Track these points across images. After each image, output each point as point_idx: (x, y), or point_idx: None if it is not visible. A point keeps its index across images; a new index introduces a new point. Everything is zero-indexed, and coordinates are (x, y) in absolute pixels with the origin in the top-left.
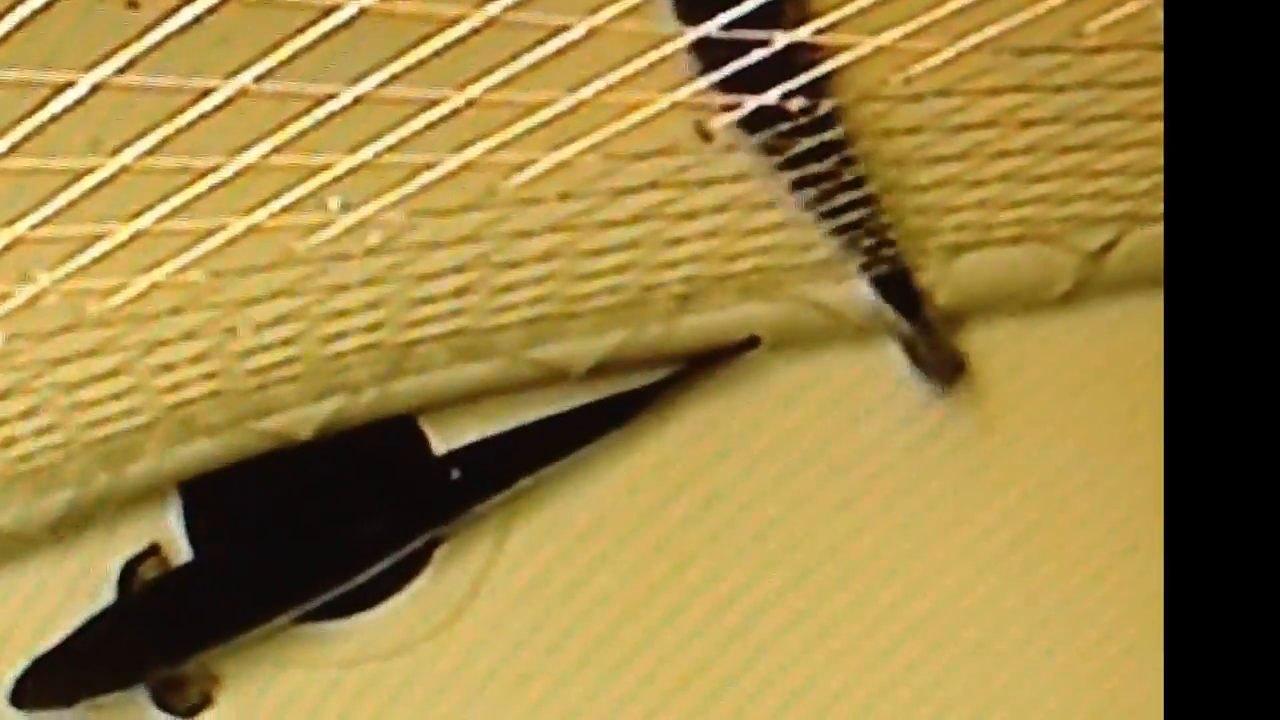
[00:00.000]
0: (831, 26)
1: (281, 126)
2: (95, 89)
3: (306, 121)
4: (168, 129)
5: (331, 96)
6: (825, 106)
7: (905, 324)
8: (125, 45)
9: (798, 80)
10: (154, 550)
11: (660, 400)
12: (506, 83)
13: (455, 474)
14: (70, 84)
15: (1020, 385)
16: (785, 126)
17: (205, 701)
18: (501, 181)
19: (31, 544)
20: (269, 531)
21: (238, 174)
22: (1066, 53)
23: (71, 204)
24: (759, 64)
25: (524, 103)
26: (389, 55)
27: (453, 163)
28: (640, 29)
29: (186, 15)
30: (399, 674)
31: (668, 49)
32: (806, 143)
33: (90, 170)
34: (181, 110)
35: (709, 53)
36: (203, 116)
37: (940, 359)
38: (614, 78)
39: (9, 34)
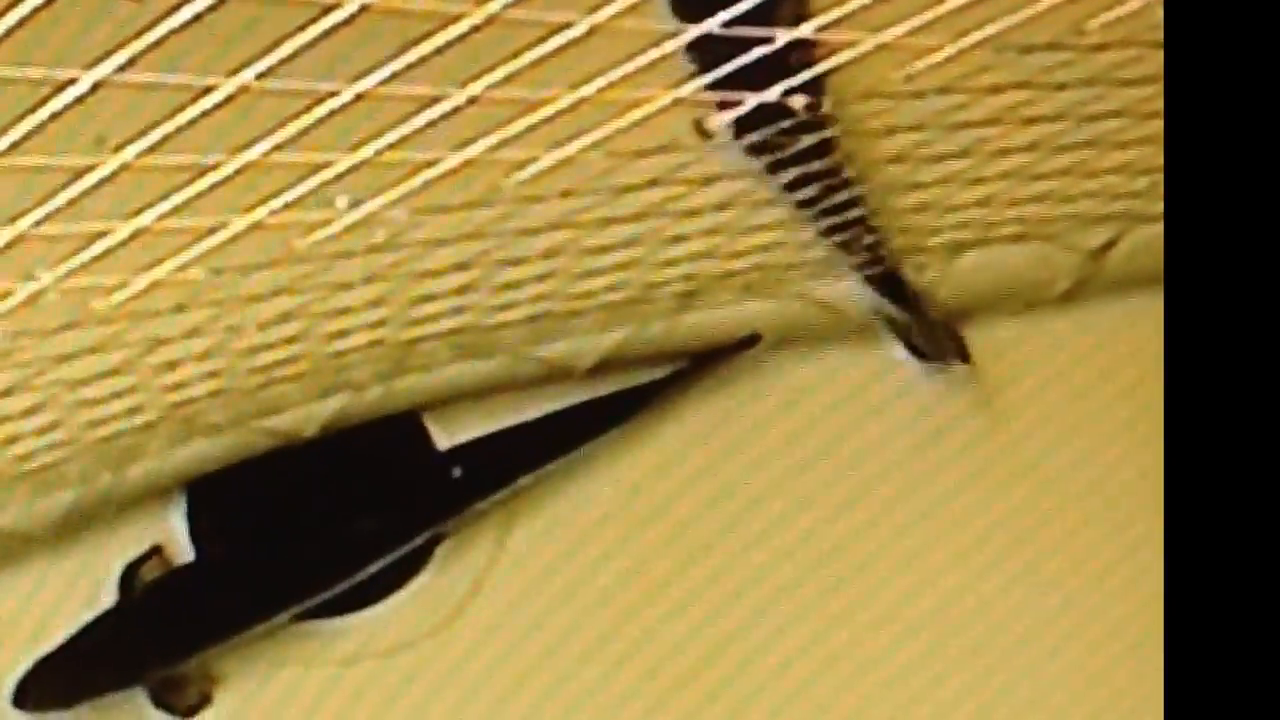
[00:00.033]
0: (833, 24)
1: (283, 124)
2: (97, 86)
3: (308, 119)
4: (169, 127)
5: (333, 94)
6: (824, 107)
7: (896, 309)
8: (127, 43)
9: (790, 81)
10: (155, 551)
11: (662, 397)
12: (508, 80)
13: (457, 472)
14: (72, 81)
15: (1021, 383)
16: (777, 128)
17: (204, 701)
18: (503, 179)
19: (34, 544)
20: (271, 529)
21: (239, 172)
22: (1067, 50)
23: (73, 202)
24: (753, 64)
25: (526, 100)
26: (391, 53)
27: (454, 160)
28: (641, 27)
29: (188, 13)
30: (400, 671)
31: (669, 46)
32: (796, 145)
33: (92, 168)
34: (183, 108)
35: (705, 51)
36: (204, 114)
37: (935, 339)
38: (615, 75)
39: (10, 31)
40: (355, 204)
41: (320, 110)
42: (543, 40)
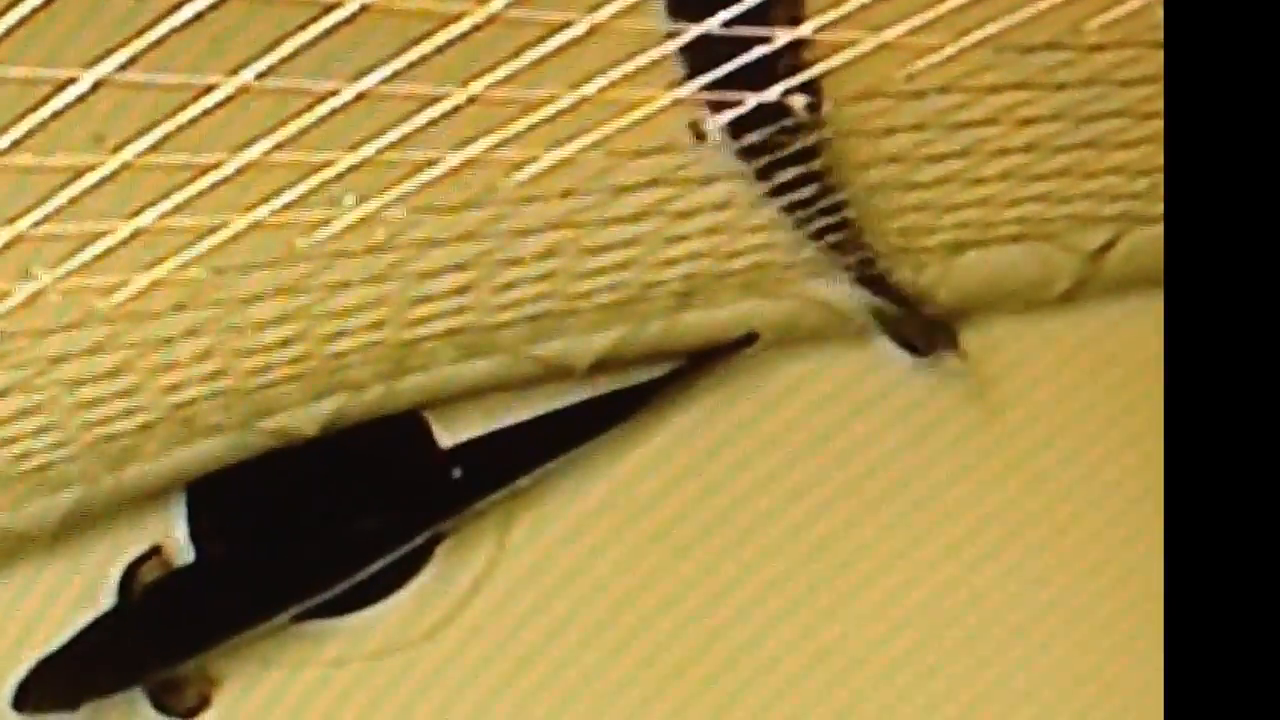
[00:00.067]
0: (831, 24)
1: (283, 123)
2: (97, 85)
3: (308, 118)
4: (169, 126)
5: (333, 93)
6: (823, 108)
7: (885, 304)
8: (127, 41)
9: (788, 82)
10: (155, 552)
11: (660, 396)
12: (508, 80)
13: (457, 471)
14: (72, 80)
15: (1019, 383)
16: (771, 130)
17: (203, 703)
18: (502, 179)
19: (33, 544)
20: (271, 529)
21: (239, 171)
22: (1067, 50)
23: (72, 201)
24: (743, 68)
25: (525, 99)
26: (391, 52)
27: (454, 160)
28: (641, 26)
29: (188, 11)
30: (400, 671)
31: (669, 46)
32: (790, 147)
33: (91, 167)
34: (183, 107)
35: (697, 54)
36: (205, 113)
37: (925, 333)
38: (615, 74)
39: (11, 30)
40: (369, 201)
41: (320, 109)
42: (543, 40)
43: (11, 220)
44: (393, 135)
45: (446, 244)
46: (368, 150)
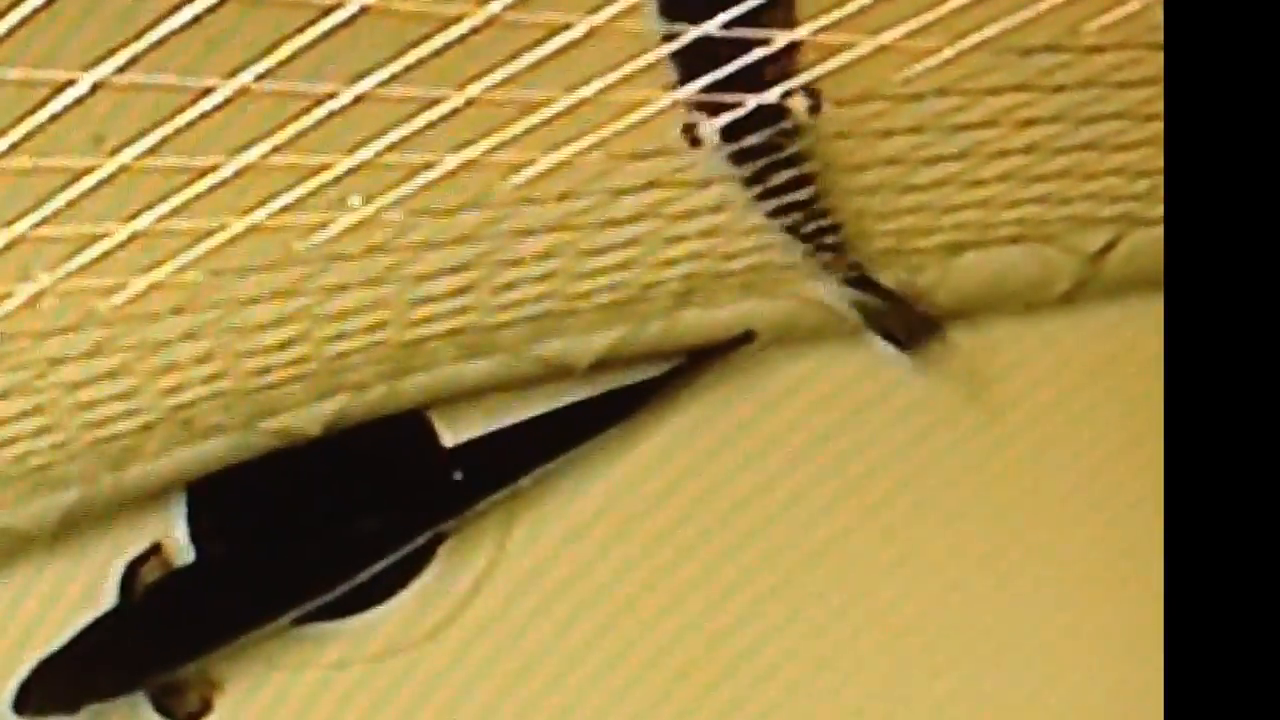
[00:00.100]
0: (829, 27)
1: (281, 126)
2: (96, 88)
3: (306, 121)
4: (167, 128)
5: (331, 96)
6: (823, 110)
7: (869, 298)
8: (126, 44)
9: (778, 86)
10: (155, 550)
11: (660, 394)
12: (506, 82)
13: (458, 471)
14: (71, 82)
15: (1019, 384)
16: (763, 135)
17: (205, 708)
18: (500, 181)
19: (33, 544)
20: (272, 530)
21: (237, 173)
22: (1066, 52)
23: (71, 203)
24: (732, 74)
25: (524, 101)
26: (389, 54)
27: (452, 162)
28: (640, 28)
29: (187, 14)
30: (402, 673)
31: (668, 48)
32: (781, 152)
33: (89, 170)
34: (181, 109)
35: (688, 56)
36: (203, 116)
37: (910, 326)
38: (614, 77)
39: (10, 32)
40: (367, 203)
41: (319, 112)
42: (541, 42)
43: (10, 222)
44: (391, 137)
45: (445, 246)
46: (366, 153)
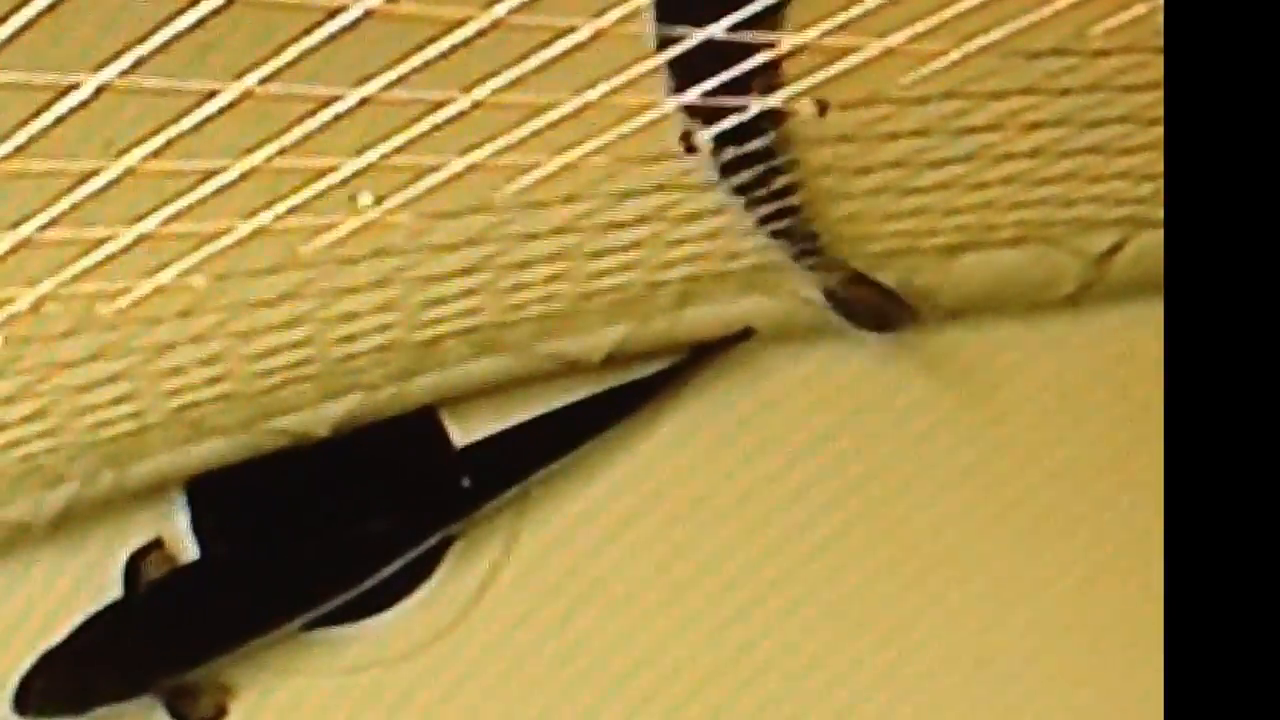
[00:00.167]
0: (835, 29)
1: (287, 129)
2: (100, 90)
3: (312, 124)
4: (173, 131)
5: (337, 98)
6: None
7: (839, 286)
8: (130, 46)
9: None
10: (158, 544)
11: (662, 390)
12: (512, 85)
13: (466, 473)
14: (75, 86)
15: (1022, 386)
16: (756, 143)
17: (220, 713)
18: (504, 185)
19: (33, 537)
20: (279, 532)
21: (243, 176)
22: (1072, 56)
23: (76, 206)
24: (723, 81)
25: (529, 105)
26: (395, 57)
27: (458, 165)
28: (645, 32)
29: (192, 17)
30: (411, 677)
31: (673, 52)
32: (773, 159)
33: (95, 173)
34: (187, 113)
35: (682, 66)
36: (208, 119)
37: (883, 310)
38: (620, 80)
39: (15, 35)
40: (377, 202)
41: (325, 115)
42: (546, 45)
43: (15, 225)
44: (397, 140)
45: (453, 249)
46: (372, 155)
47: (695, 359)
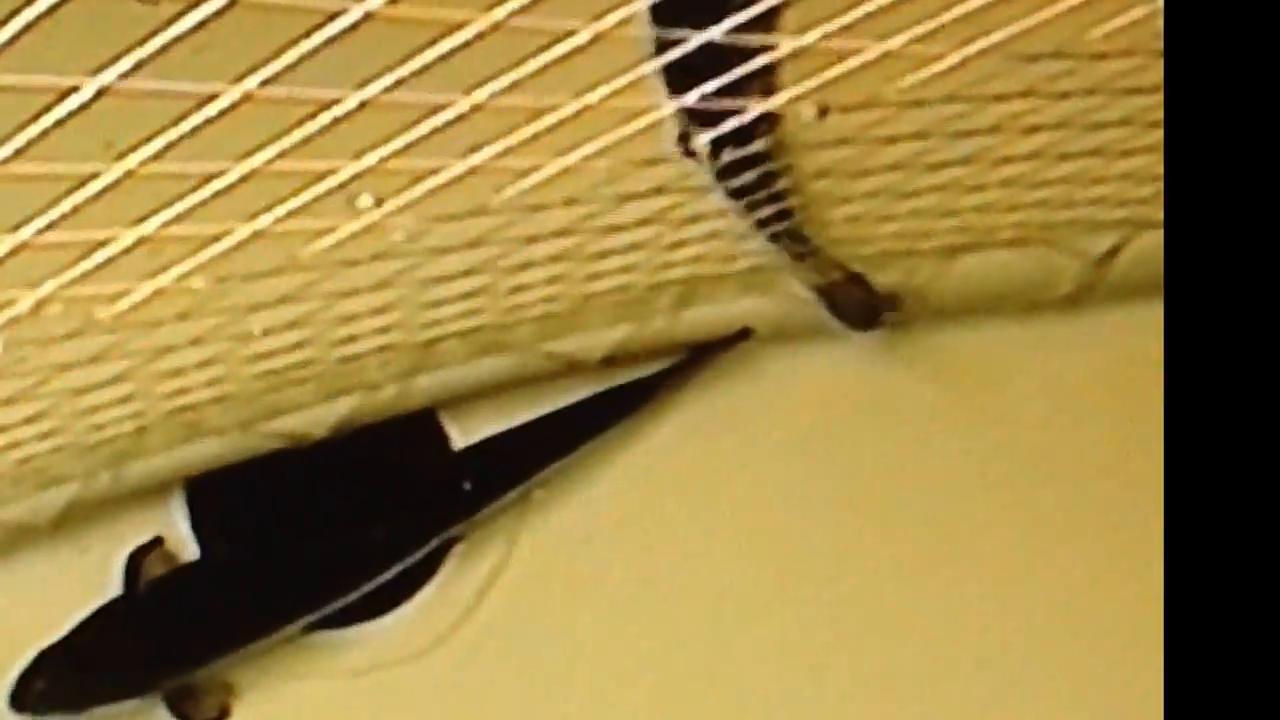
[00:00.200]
0: (836, 32)
1: (287, 131)
2: (100, 93)
3: (312, 127)
4: (173, 134)
5: (337, 101)
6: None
7: (822, 278)
8: (131, 49)
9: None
10: (158, 542)
11: (660, 391)
12: (512, 88)
13: (467, 474)
14: (75, 88)
15: (1021, 386)
16: (751, 146)
17: (223, 714)
18: (505, 188)
19: (34, 537)
20: (279, 534)
21: (243, 179)
22: (1071, 59)
23: (77, 209)
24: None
25: (529, 108)
26: (395, 60)
27: (459, 168)
28: (645, 34)
29: (192, 19)
30: (420, 678)
31: (672, 54)
32: (768, 164)
33: (95, 175)
34: (187, 115)
35: (676, 71)
36: (208, 121)
37: (862, 304)
38: (620, 83)
39: (16, 37)
40: (378, 203)
41: (324, 117)
42: (546, 48)
43: (15, 228)
44: (397, 143)
45: (453, 251)
46: (372, 158)
47: (695, 359)
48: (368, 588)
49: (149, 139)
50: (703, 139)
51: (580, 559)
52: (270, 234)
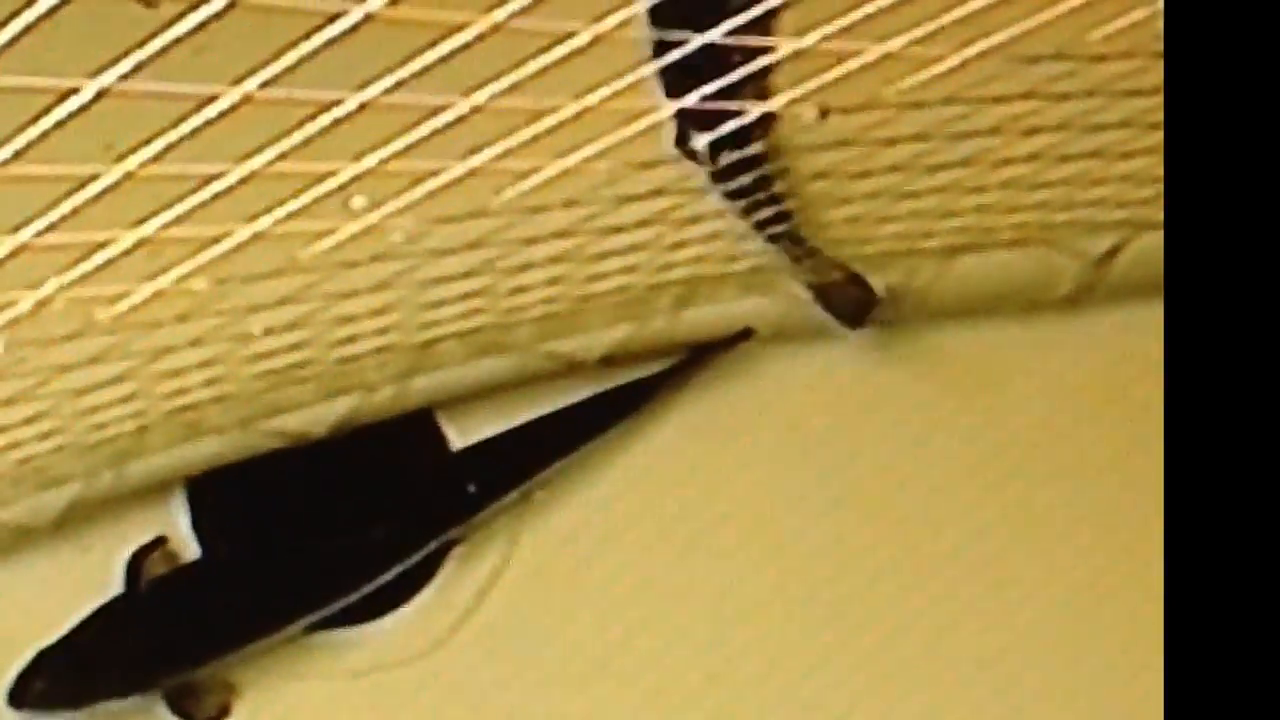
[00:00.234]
0: (836, 34)
1: (287, 133)
2: (100, 95)
3: (311, 128)
4: (173, 136)
5: (336, 103)
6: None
7: (815, 275)
8: (130, 51)
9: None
10: (161, 542)
11: (661, 391)
12: (512, 89)
13: (468, 477)
14: (74, 90)
15: (1020, 387)
16: (748, 148)
17: (223, 713)
18: (505, 189)
19: (33, 538)
20: (279, 534)
21: (243, 181)
22: (1071, 60)
23: (76, 210)
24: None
25: (529, 109)
26: (394, 62)
27: (458, 169)
28: (644, 36)
29: (192, 21)
30: (421, 679)
31: (671, 56)
32: (764, 169)
33: (95, 177)
34: (186, 117)
35: (674, 74)
36: (208, 123)
37: (853, 300)
38: (619, 85)
39: (16, 38)
40: (373, 205)
41: (324, 119)
42: (545, 50)
43: (15, 229)
44: (397, 145)
45: (452, 253)
46: (371, 160)
47: (695, 359)
48: (368, 588)
49: (149, 141)
50: (701, 141)
51: (580, 560)
52: (270, 235)
